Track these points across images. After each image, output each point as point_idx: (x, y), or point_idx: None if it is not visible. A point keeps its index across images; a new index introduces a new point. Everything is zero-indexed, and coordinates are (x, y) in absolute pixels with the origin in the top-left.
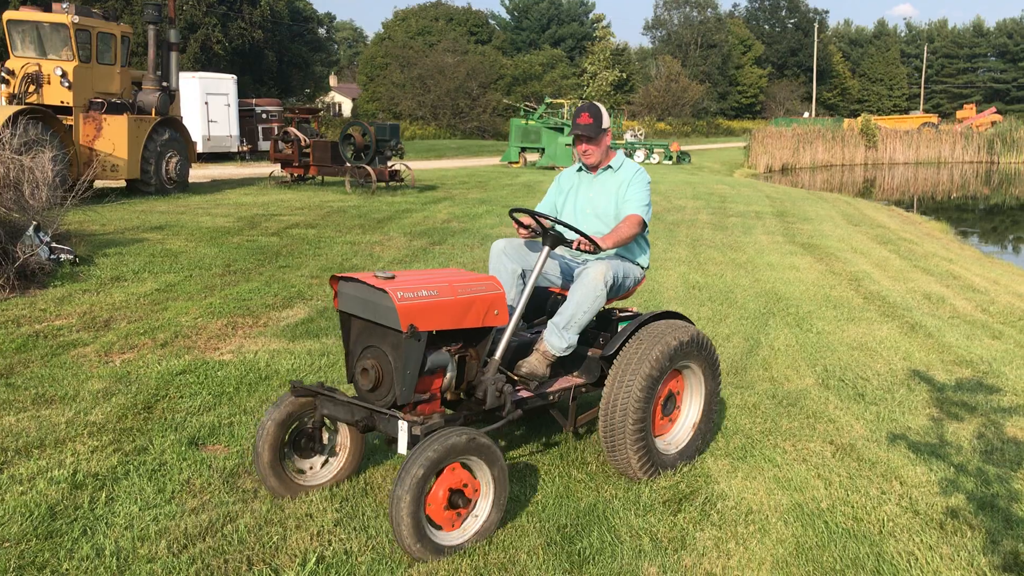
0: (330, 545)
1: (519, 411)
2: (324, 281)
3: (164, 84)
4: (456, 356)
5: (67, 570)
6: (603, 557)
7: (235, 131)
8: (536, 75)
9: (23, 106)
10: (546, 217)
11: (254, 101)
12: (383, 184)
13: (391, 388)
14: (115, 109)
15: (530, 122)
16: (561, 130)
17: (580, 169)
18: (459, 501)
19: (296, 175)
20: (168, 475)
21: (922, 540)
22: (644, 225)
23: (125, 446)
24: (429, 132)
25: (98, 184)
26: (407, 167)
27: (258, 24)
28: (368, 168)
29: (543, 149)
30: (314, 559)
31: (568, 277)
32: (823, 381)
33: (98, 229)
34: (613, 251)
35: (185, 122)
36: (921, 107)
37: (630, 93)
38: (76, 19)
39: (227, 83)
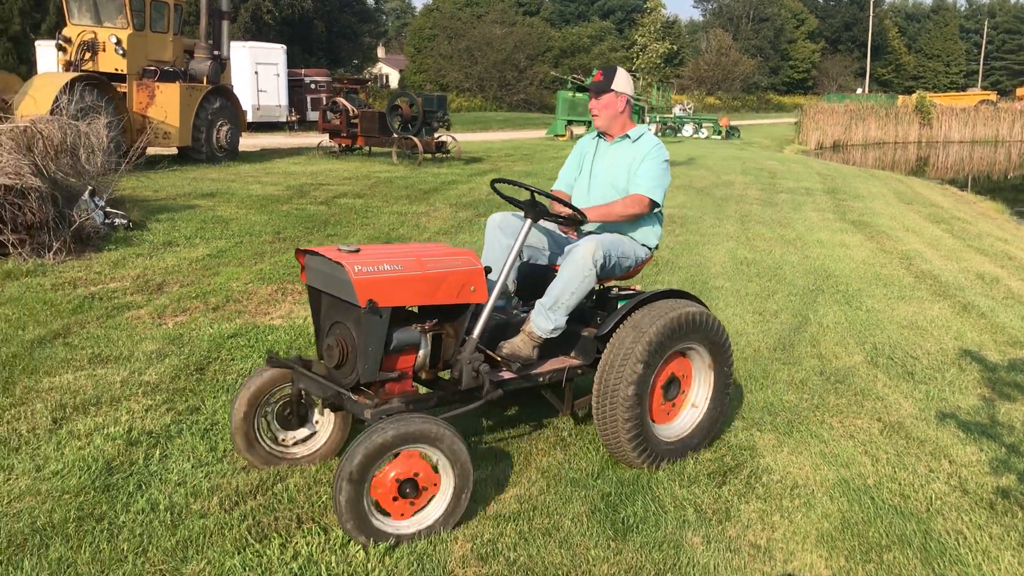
0: None
1: (499, 392)
2: None
3: (215, 53)
4: (430, 334)
5: (124, 522)
6: (647, 526)
7: (284, 101)
8: (584, 47)
9: (79, 73)
10: (525, 187)
11: (303, 71)
12: (429, 155)
13: (355, 366)
14: (168, 77)
15: (577, 95)
16: None
17: (597, 136)
18: (408, 490)
19: (344, 145)
20: (220, 435)
21: (971, 519)
22: (651, 206)
23: (178, 405)
24: (475, 104)
25: (150, 151)
26: (453, 139)
27: None
28: (415, 139)
29: (589, 123)
30: None
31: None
32: (872, 359)
33: (151, 195)
34: (611, 227)
35: (235, 91)
36: (979, 84)
37: (679, 67)
38: None
39: (277, 53)
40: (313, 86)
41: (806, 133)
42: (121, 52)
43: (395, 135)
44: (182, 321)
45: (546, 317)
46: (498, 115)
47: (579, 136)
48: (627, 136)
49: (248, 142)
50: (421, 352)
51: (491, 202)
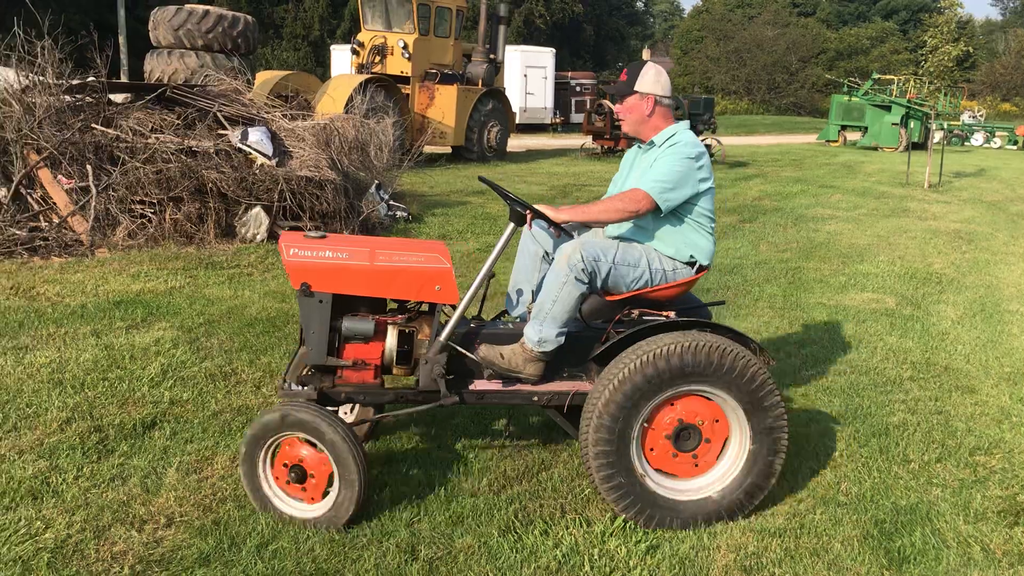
0: None
1: (455, 399)
2: None
3: (491, 56)
4: (396, 329)
5: (403, 492)
6: (925, 559)
7: (550, 103)
8: (863, 49)
9: (370, 75)
10: (497, 188)
11: (569, 74)
12: None
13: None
14: (447, 79)
15: (853, 99)
16: (888, 108)
17: (638, 145)
18: (293, 476)
19: (606, 147)
20: (490, 419)
21: None
22: (652, 205)
23: None
24: (741, 107)
25: (426, 149)
26: (718, 142)
27: None
28: None
29: (866, 128)
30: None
31: None
32: None
33: (427, 190)
34: (631, 233)
35: (507, 94)
36: None
37: (971, 70)
38: None
39: (546, 56)
40: (579, 88)
41: None
42: (407, 56)
43: None
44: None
45: (533, 328)
46: (765, 119)
47: (852, 143)
48: (652, 142)
49: (514, 143)
50: (388, 346)
51: (756, 208)
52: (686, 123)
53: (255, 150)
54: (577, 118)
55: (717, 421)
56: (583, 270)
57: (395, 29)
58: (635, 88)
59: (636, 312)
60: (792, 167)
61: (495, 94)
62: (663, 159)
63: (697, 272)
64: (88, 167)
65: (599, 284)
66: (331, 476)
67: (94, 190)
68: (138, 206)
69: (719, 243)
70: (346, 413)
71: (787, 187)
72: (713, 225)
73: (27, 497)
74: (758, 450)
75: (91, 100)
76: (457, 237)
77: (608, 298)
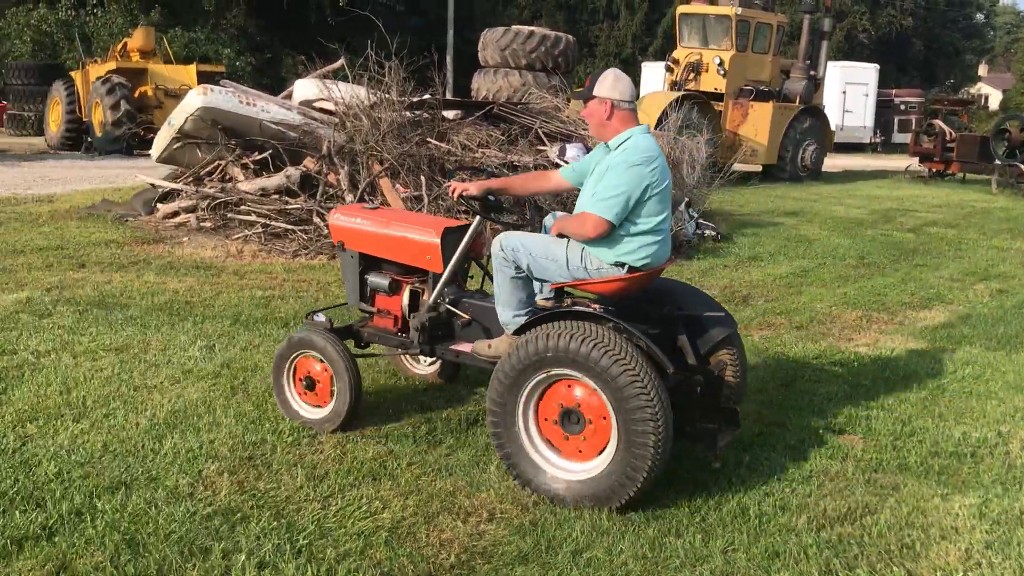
0: (978, 568)
1: (415, 350)
2: (966, 285)
3: (811, 73)
4: (408, 288)
5: (713, 520)
6: None
7: (870, 122)
8: None
9: (683, 92)
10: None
11: (893, 91)
12: None
13: None
14: (762, 96)
15: None
16: None
17: (604, 145)
18: (305, 385)
19: (934, 170)
20: (805, 454)
21: None
22: (606, 225)
23: (765, 418)
24: None
25: (736, 167)
26: None
27: (909, 11)
28: (1022, 167)
29: None
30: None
31: None
32: None
33: (736, 210)
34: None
35: (825, 111)
36: None
37: None
38: (739, 11)
39: (869, 72)
40: (903, 107)
41: None
42: (722, 72)
43: (998, 162)
44: (767, 335)
45: (499, 309)
46: None
47: None
48: (608, 146)
49: (829, 162)
50: (403, 300)
51: None
52: (644, 127)
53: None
54: (899, 138)
55: (604, 419)
56: (504, 259)
57: (712, 46)
58: (594, 93)
59: (569, 300)
60: None
61: (813, 111)
62: (610, 171)
63: (630, 272)
64: (422, 177)
65: (525, 272)
66: (331, 383)
67: (426, 199)
68: (462, 216)
69: None
70: (429, 363)
71: None
72: (659, 225)
73: (367, 477)
74: (620, 443)
75: (428, 116)
76: (768, 260)
77: (552, 285)
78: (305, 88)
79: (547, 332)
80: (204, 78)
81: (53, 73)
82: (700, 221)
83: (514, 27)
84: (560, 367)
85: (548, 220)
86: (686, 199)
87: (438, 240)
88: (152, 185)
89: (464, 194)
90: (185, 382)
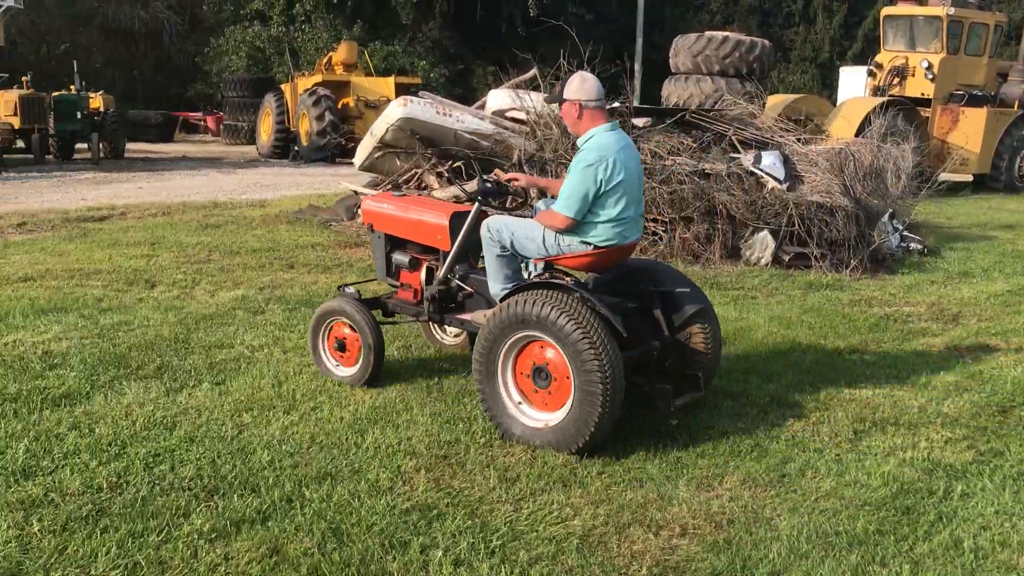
0: None
1: (425, 318)
2: None
3: None
4: (424, 265)
5: (922, 552)
6: None
7: None
8: None
9: (888, 98)
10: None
11: None
12: None
13: None
14: (975, 101)
15: None
16: None
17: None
18: (337, 346)
19: None
20: None
21: None
22: (569, 220)
23: (979, 445)
24: None
25: (942, 176)
26: None
27: None
28: None
29: None
30: None
31: None
32: None
33: (944, 222)
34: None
35: None
36: None
37: None
38: (952, 11)
39: None
40: None
41: None
42: (931, 77)
43: None
44: (980, 356)
45: (490, 283)
46: None
47: None
48: (577, 143)
49: None
50: (422, 276)
51: None
52: (610, 124)
53: (767, 174)
54: None
55: (567, 378)
56: (490, 238)
57: (919, 49)
58: (564, 96)
59: (547, 274)
60: None
61: None
62: (571, 171)
63: (596, 249)
64: None
65: (511, 249)
66: (359, 346)
67: None
68: (651, 224)
69: None
70: (454, 335)
71: None
72: (621, 214)
73: (558, 483)
74: (578, 398)
75: (618, 123)
76: (981, 275)
77: (534, 260)
78: (498, 98)
79: (524, 299)
80: (402, 89)
81: (265, 86)
82: (905, 233)
83: (708, 33)
84: (529, 328)
85: (540, 204)
86: (890, 210)
87: (447, 222)
88: (355, 192)
89: (509, 181)
90: (384, 380)
